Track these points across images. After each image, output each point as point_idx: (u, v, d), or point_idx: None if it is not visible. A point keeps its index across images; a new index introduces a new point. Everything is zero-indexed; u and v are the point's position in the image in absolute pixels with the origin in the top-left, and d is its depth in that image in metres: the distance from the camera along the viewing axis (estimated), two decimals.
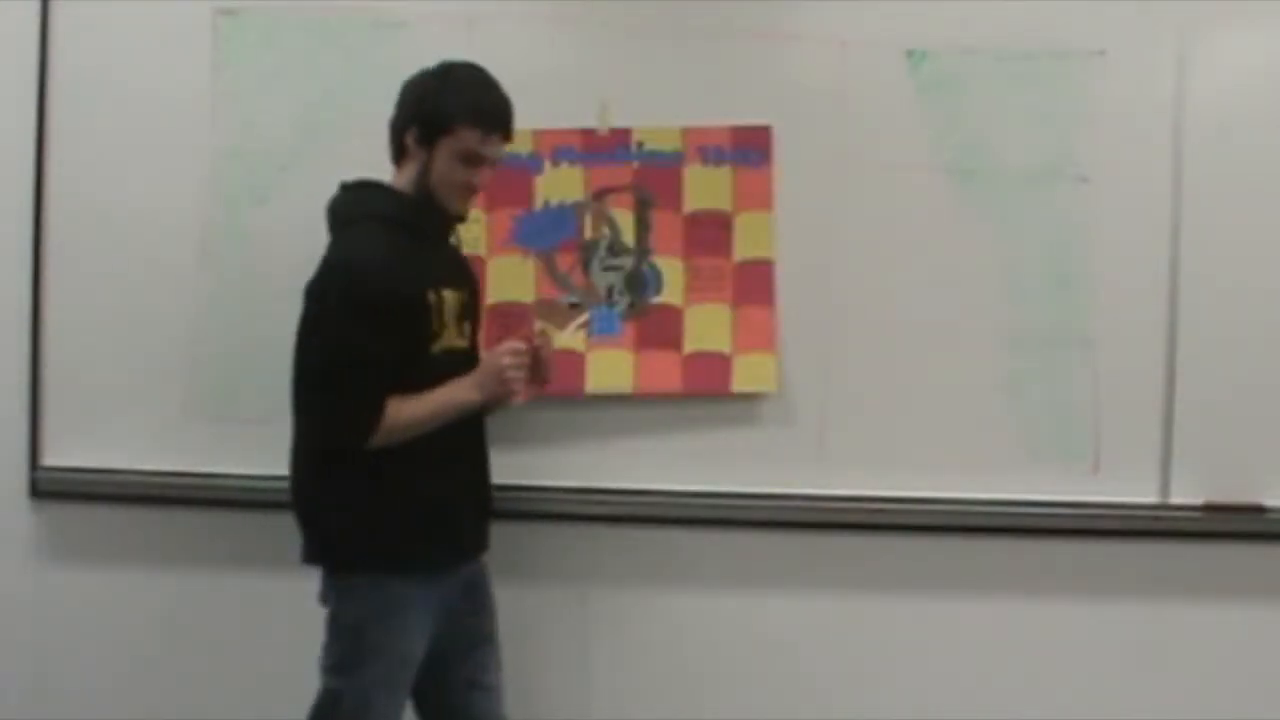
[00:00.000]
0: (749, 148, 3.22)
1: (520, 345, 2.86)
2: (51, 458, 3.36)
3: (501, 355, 2.83)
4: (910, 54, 3.24)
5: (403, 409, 2.77)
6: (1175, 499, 3.24)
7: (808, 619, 3.35)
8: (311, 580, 3.32)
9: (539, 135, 3.23)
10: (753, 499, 3.26)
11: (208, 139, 3.30)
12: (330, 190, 3.28)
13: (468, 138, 2.82)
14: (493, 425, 3.28)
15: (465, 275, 2.99)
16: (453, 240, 2.99)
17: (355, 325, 2.72)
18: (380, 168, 3.27)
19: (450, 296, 2.86)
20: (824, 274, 3.25)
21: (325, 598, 2.87)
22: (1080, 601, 3.31)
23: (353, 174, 3.28)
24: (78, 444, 3.33)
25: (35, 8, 3.32)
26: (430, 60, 3.26)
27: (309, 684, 3.39)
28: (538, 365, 2.90)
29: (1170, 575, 3.30)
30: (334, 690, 2.83)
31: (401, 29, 3.28)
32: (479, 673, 3.00)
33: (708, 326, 3.23)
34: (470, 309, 2.97)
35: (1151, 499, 3.24)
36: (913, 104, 3.24)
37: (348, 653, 2.81)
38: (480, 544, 2.99)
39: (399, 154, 2.89)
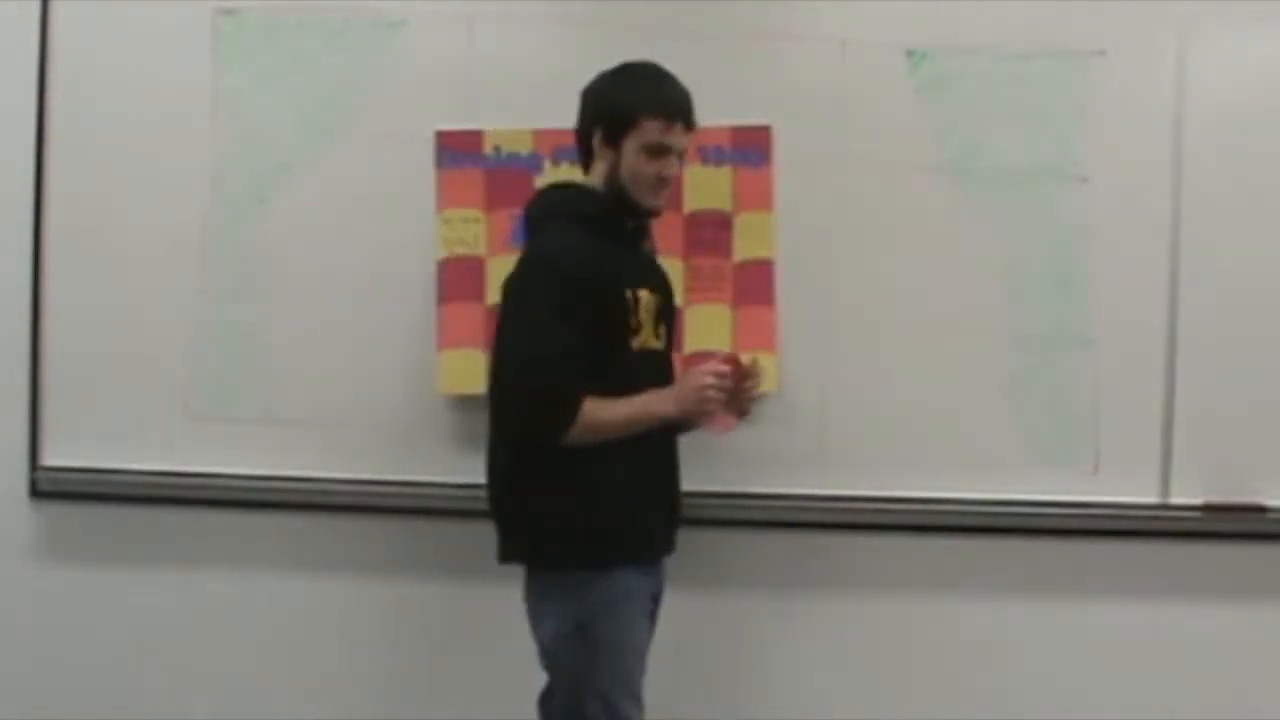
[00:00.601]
0: (749, 148, 3.22)
1: (724, 368, 2.79)
2: (51, 458, 3.36)
3: (704, 374, 2.77)
4: (910, 54, 3.24)
5: (599, 410, 2.74)
6: (1175, 499, 3.24)
7: (808, 619, 3.35)
8: (311, 581, 3.34)
9: (539, 135, 3.23)
10: (753, 499, 3.26)
11: (208, 139, 3.30)
12: (330, 190, 3.30)
13: (651, 129, 2.80)
14: None
15: (660, 279, 2.95)
16: (646, 247, 2.98)
17: (555, 318, 2.71)
18: (380, 168, 3.29)
19: (646, 297, 2.83)
20: (824, 274, 3.25)
21: (538, 600, 2.83)
22: (1080, 601, 3.31)
23: (353, 174, 3.30)
24: (78, 444, 3.33)
25: (35, 8, 3.32)
26: (430, 60, 3.28)
27: (309, 684, 3.40)
28: (739, 393, 2.83)
29: (1170, 575, 3.30)
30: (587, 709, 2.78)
31: (401, 29, 3.28)
32: None
33: (708, 326, 3.23)
34: (666, 313, 2.92)
35: (1151, 499, 3.25)
36: (913, 104, 3.24)
37: (579, 652, 2.77)
38: (669, 546, 2.94)
39: (587, 160, 2.89)
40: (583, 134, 2.88)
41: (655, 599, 2.93)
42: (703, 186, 3.22)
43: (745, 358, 2.84)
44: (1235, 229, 3.22)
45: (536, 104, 3.24)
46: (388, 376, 3.30)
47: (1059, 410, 3.24)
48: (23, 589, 3.42)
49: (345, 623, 3.39)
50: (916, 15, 3.24)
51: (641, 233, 2.94)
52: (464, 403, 3.27)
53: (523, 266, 2.78)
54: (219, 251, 3.31)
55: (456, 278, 3.25)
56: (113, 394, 3.33)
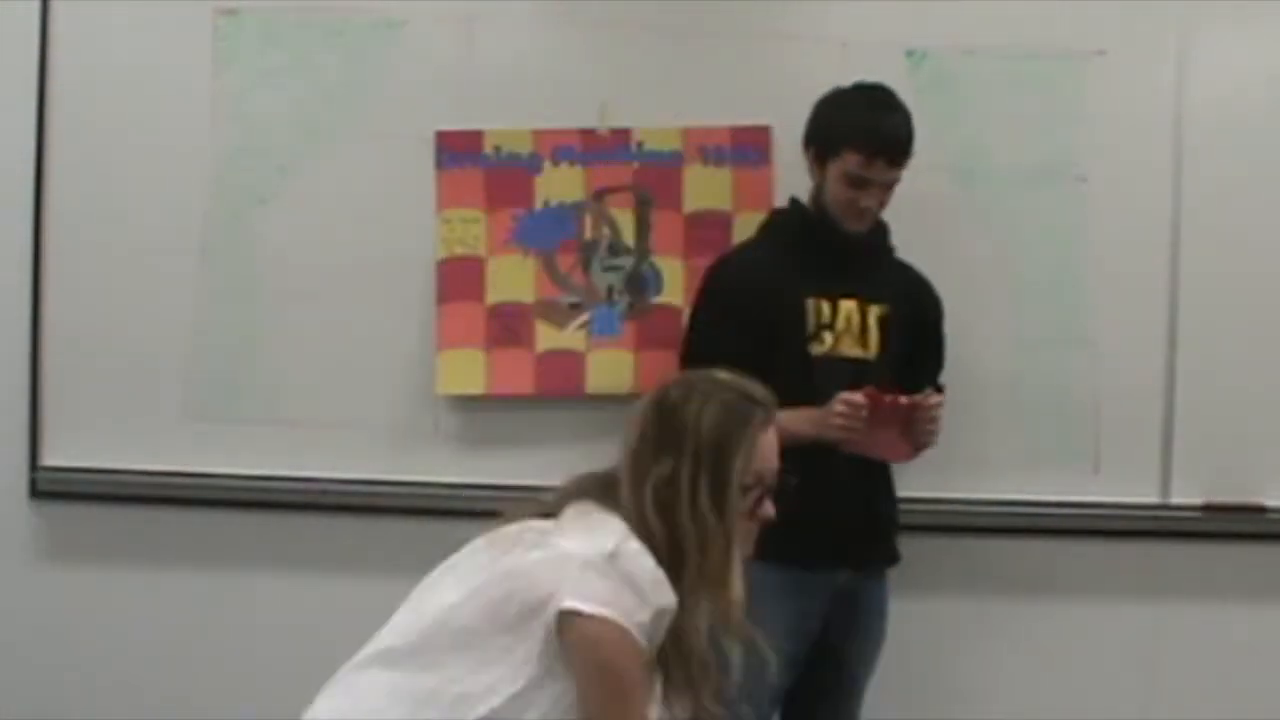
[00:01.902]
0: (749, 148, 3.22)
1: (858, 398, 2.78)
2: (51, 458, 3.35)
3: (837, 402, 2.79)
4: (910, 54, 3.24)
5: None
6: (1175, 499, 3.24)
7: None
8: (311, 581, 3.34)
9: (539, 135, 3.23)
10: None
11: (208, 139, 3.30)
12: (330, 190, 3.30)
13: (851, 161, 2.86)
14: (492, 425, 3.29)
15: (887, 291, 2.95)
16: (899, 258, 3.04)
17: (710, 318, 2.92)
18: (380, 168, 3.28)
19: (847, 306, 2.90)
20: None
21: None
22: (1080, 601, 3.31)
23: (353, 174, 3.30)
24: (78, 444, 3.33)
25: (35, 8, 3.32)
26: (430, 60, 3.28)
27: (308, 684, 3.39)
28: (912, 424, 2.86)
29: (1170, 575, 3.30)
30: None
31: (401, 29, 3.28)
32: (818, 687, 2.96)
33: None
34: (891, 323, 2.93)
35: (1151, 499, 3.24)
36: (913, 104, 3.23)
37: None
38: (847, 558, 2.91)
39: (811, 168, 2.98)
40: (805, 144, 2.98)
41: (842, 610, 2.92)
42: (703, 186, 3.22)
43: (922, 396, 2.86)
44: (1235, 229, 3.22)
45: (536, 104, 3.24)
46: (388, 376, 3.30)
47: (1059, 410, 3.24)
48: (23, 589, 3.41)
49: (345, 623, 3.37)
50: (916, 15, 3.24)
51: (855, 243, 2.95)
52: (464, 403, 3.27)
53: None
54: (219, 251, 3.31)
55: (456, 278, 3.25)
56: (113, 394, 3.32)
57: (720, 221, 3.22)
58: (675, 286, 3.24)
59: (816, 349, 2.90)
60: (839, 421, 2.79)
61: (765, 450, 2.03)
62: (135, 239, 3.32)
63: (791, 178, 3.21)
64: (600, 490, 2.03)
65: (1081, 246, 3.23)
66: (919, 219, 3.23)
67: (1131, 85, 3.22)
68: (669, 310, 3.24)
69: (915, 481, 3.22)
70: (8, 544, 3.40)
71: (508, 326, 3.24)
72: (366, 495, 3.30)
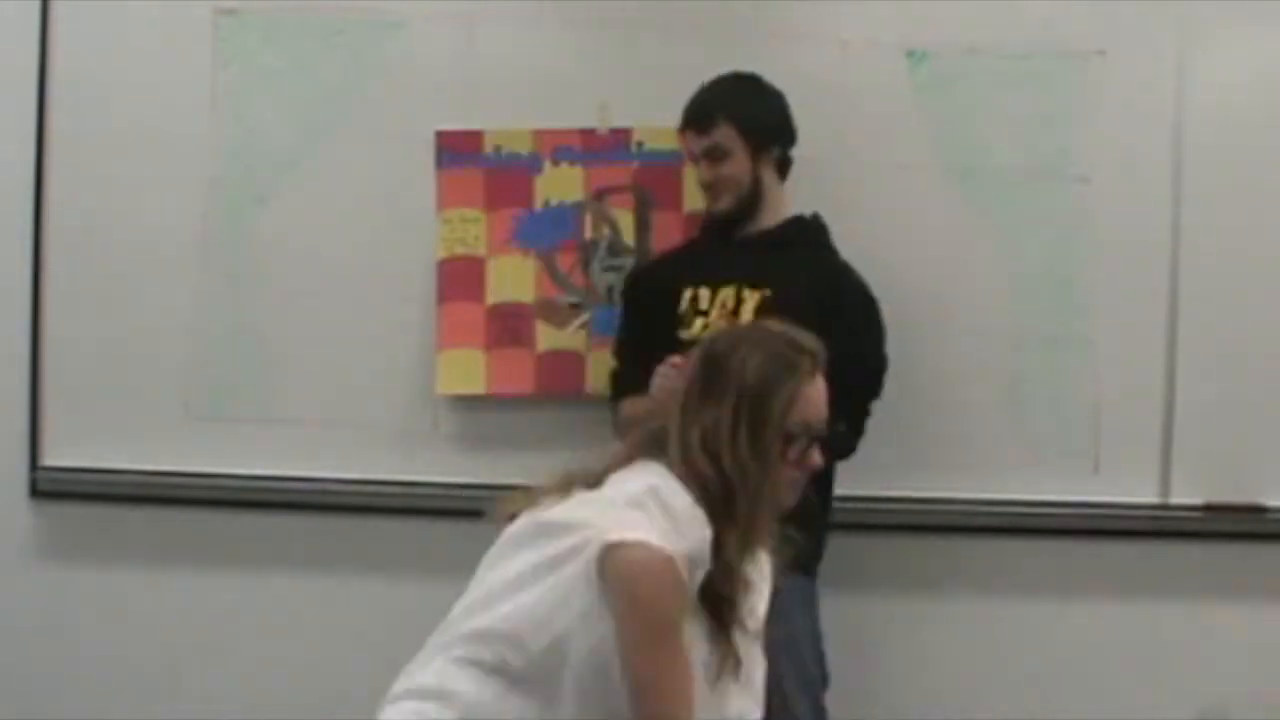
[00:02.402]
0: None
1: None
2: (51, 458, 3.35)
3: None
4: (910, 54, 3.24)
5: (630, 404, 2.95)
6: (1175, 499, 3.24)
7: None
8: (312, 581, 3.34)
9: (539, 135, 3.23)
10: None
11: (208, 139, 3.30)
12: (330, 190, 3.30)
13: (681, 139, 3.04)
14: (492, 425, 3.29)
15: (776, 278, 2.93)
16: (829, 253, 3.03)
17: (621, 311, 3.15)
18: (380, 168, 3.29)
19: (725, 292, 2.94)
20: None
21: None
22: (1080, 601, 3.31)
23: (353, 174, 3.30)
24: (78, 444, 3.33)
25: (35, 8, 3.32)
26: (430, 60, 3.28)
27: (308, 683, 3.40)
28: None
29: (1170, 575, 3.30)
30: None
31: (401, 29, 3.28)
32: None
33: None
34: (771, 308, 2.87)
35: (1151, 499, 3.24)
36: (913, 104, 3.24)
37: None
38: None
39: None
40: None
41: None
42: None
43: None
44: (1235, 229, 3.22)
45: (536, 104, 3.24)
46: (388, 376, 3.30)
47: (1059, 410, 3.24)
48: (23, 589, 3.41)
49: (345, 623, 3.39)
50: (916, 15, 3.24)
51: (730, 229, 3.02)
52: (464, 403, 3.27)
53: None
54: (219, 251, 3.31)
55: (456, 278, 3.25)
56: (113, 394, 3.32)
57: None
58: None
59: (685, 333, 2.92)
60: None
61: (812, 399, 2.02)
62: (135, 239, 3.32)
63: (792, 178, 3.21)
64: (650, 442, 2.04)
65: (1082, 246, 3.23)
66: (919, 219, 3.24)
67: (1131, 85, 3.22)
68: None
69: (915, 481, 3.23)
70: (8, 544, 3.41)
71: (508, 326, 3.24)
72: (366, 495, 3.30)
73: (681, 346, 2.85)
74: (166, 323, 3.31)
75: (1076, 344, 3.24)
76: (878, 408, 3.24)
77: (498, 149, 3.25)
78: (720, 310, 2.94)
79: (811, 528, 2.79)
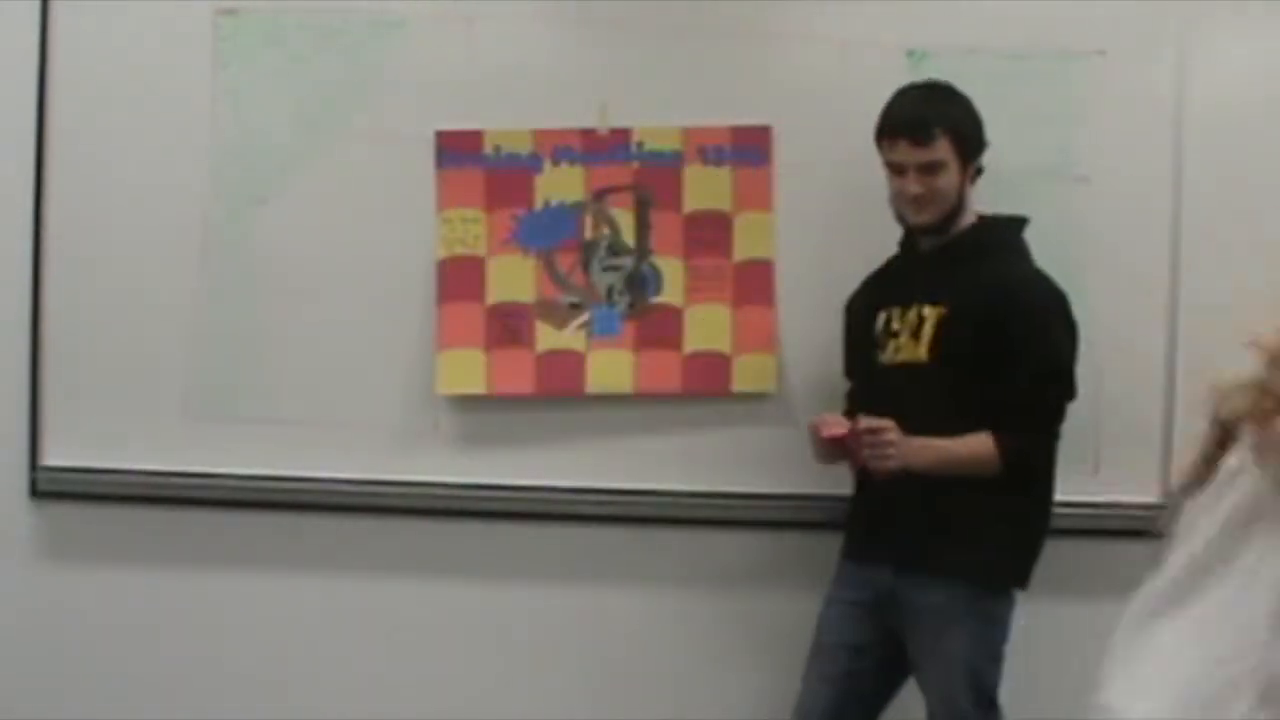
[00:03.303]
0: (749, 148, 3.22)
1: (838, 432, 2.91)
2: (51, 458, 3.35)
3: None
4: (910, 54, 3.24)
5: None
6: None
7: (808, 619, 3.34)
8: (311, 581, 3.34)
9: (539, 135, 3.24)
10: (753, 499, 3.26)
11: (208, 139, 3.30)
12: (330, 190, 3.30)
13: (884, 149, 2.96)
14: (492, 425, 3.28)
15: (941, 291, 2.92)
16: (1009, 262, 2.98)
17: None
18: (380, 168, 3.29)
19: (900, 312, 2.95)
20: (824, 274, 3.24)
21: None
22: (1080, 601, 3.31)
23: (353, 174, 3.30)
24: (78, 444, 3.33)
25: (35, 8, 3.32)
26: (430, 60, 3.28)
27: (307, 683, 3.40)
28: (853, 448, 2.91)
29: None
30: None
31: (401, 29, 3.28)
32: (859, 686, 3.03)
33: (708, 327, 3.23)
34: (948, 324, 2.89)
35: (1151, 499, 3.24)
36: None
37: None
38: (867, 554, 3.00)
39: None
40: None
41: (887, 611, 2.95)
42: (703, 186, 3.22)
43: (852, 423, 2.91)
44: (1235, 229, 3.22)
45: (536, 104, 3.24)
46: (388, 376, 3.30)
47: None
48: (23, 589, 3.41)
49: (345, 623, 3.39)
50: (916, 15, 3.24)
51: (922, 244, 3.01)
52: (464, 403, 3.27)
53: None
54: (219, 251, 3.31)
55: (456, 278, 3.25)
56: (113, 394, 3.32)
57: (720, 221, 3.23)
58: (675, 286, 3.24)
59: (882, 356, 2.99)
60: (813, 450, 2.99)
61: None
62: (135, 239, 3.32)
63: (792, 177, 3.21)
64: None
65: (1082, 246, 3.23)
66: None
67: (1131, 85, 3.23)
68: (669, 310, 3.24)
69: None
70: (8, 544, 3.40)
71: (508, 326, 3.24)
72: (366, 495, 3.30)
73: (878, 370, 2.98)
74: (166, 323, 3.31)
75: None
76: None
77: (498, 149, 3.25)
78: (909, 332, 2.94)
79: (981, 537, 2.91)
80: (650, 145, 3.24)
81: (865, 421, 2.87)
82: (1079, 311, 3.11)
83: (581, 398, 3.25)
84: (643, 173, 3.24)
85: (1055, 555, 3.30)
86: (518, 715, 3.22)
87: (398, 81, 3.28)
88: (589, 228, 3.26)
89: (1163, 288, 3.23)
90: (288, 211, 3.30)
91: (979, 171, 3.00)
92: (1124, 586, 3.31)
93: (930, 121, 2.90)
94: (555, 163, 3.25)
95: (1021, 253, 3.01)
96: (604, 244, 3.26)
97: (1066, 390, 2.94)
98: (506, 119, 3.24)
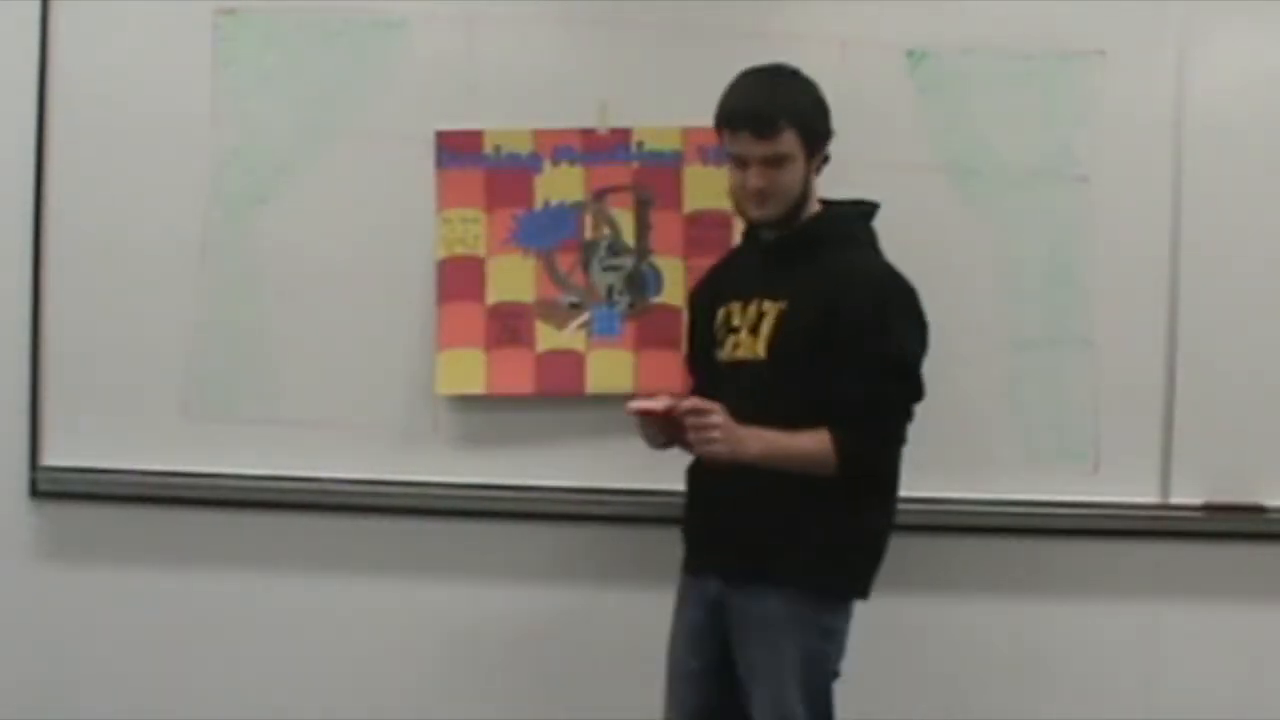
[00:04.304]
0: None
1: (652, 405, 2.75)
2: (51, 458, 3.35)
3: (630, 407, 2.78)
4: (910, 54, 3.24)
5: None
6: (1175, 499, 3.24)
7: None
8: (311, 581, 3.34)
9: (539, 135, 3.24)
10: None
11: (208, 139, 3.30)
12: (330, 190, 3.30)
13: (726, 140, 2.80)
14: (492, 425, 3.28)
15: (781, 286, 2.80)
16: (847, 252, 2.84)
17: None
18: (380, 168, 3.29)
19: (740, 308, 2.83)
20: None
21: None
22: (1080, 601, 3.31)
23: (353, 174, 3.30)
24: (78, 444, 3.33)
25: (35, 8, 3.32)
26: (430, 60, 3.28)
27: (308, 684, 3.40)
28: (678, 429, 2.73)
29: (1170, 575, 3.30)
30: None
31: (401, 29, 3.28)
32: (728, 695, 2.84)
33: None
34: (787, 320, 2.77)
35: (1151, 499, 3.25)
36: (913, 104, 3.24)
37: None
38: (704, 563, 2.86)
39: None
40: None
41: (722, 617, 2.81)
42: (703, 186, 3.22)
43: (674, 402, 2.73)
44: (1235, 229, 3.22)
45: (536, 104, 3.24)
46: (388, 376, 3.30)
47: (1059, 410, 3.24)
48: (23, 589, 3.42)
49: (345, 623, 3.39)
50: (916, 15, 3.24)
51: (758, 240, 2.91)
52: (464, 403, 3.27)
53: None
54: (219, 251, 3.31)
55: (456, 278, 3.25)
56: (113, 394, 3.33)
57: (720, 221, 3.22)
58: (675, 286, 3.24)
59: (720, 353, 2.87)
60: (640, 432, 2.84)
61: None
62: (135, 239, 3.32)
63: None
64: None
65: (1082, 246, 3.23)
66: (919, 219, 3.23)
67: (1131, 85, 3.22)
68: (669, 310, 3.24)
69: (916, 482, 3.22)
70: (8, 544, 3.41)
71: (508, 326, 3.24)
72: (366, 495, 3.30)
73: (718, 368, 2.88)
74: (166, 323, 3.31)
75: (1076, 344, 3.24)
76: None
77: (498, 149, 3.25)
78: (748, 328, 2.82)
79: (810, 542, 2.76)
80: (650, 145, 3.24)
81: (690, 401, 2.70)
82: (1079, 311, 3.12)
83: (581, 398, 3.25)
84: (643, 173, 3.25)
85: (1055, 555, 3.31)
86: (518, 715, 3.21)
87: (398, 81, 3.28)
88: (589, 228, 3.27)
89: (1163, 288, 3.23)
90: (288, 211, 3.30)
91: (825, 160, 2.85)
92: (1124, 586, 3.34)
93: (775, 114, 2.73)
94: (555, 163, 3.25)
95: (865, 243, 2.88)
96: (604, 244, 3.27)
97: (911, 389, 2.79)
98: (506, 119, 3.24)
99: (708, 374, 2.93)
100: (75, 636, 3.41)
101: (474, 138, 3.25)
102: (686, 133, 3.22)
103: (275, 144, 3.30)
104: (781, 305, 2.78)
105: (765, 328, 2.79)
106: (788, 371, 2.76)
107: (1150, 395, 3.23)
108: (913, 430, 3.22)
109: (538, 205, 3.26)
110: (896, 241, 3.22)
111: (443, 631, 3.38)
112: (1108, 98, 3.22)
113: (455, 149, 3.25)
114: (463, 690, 3.36)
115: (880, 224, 3.26)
